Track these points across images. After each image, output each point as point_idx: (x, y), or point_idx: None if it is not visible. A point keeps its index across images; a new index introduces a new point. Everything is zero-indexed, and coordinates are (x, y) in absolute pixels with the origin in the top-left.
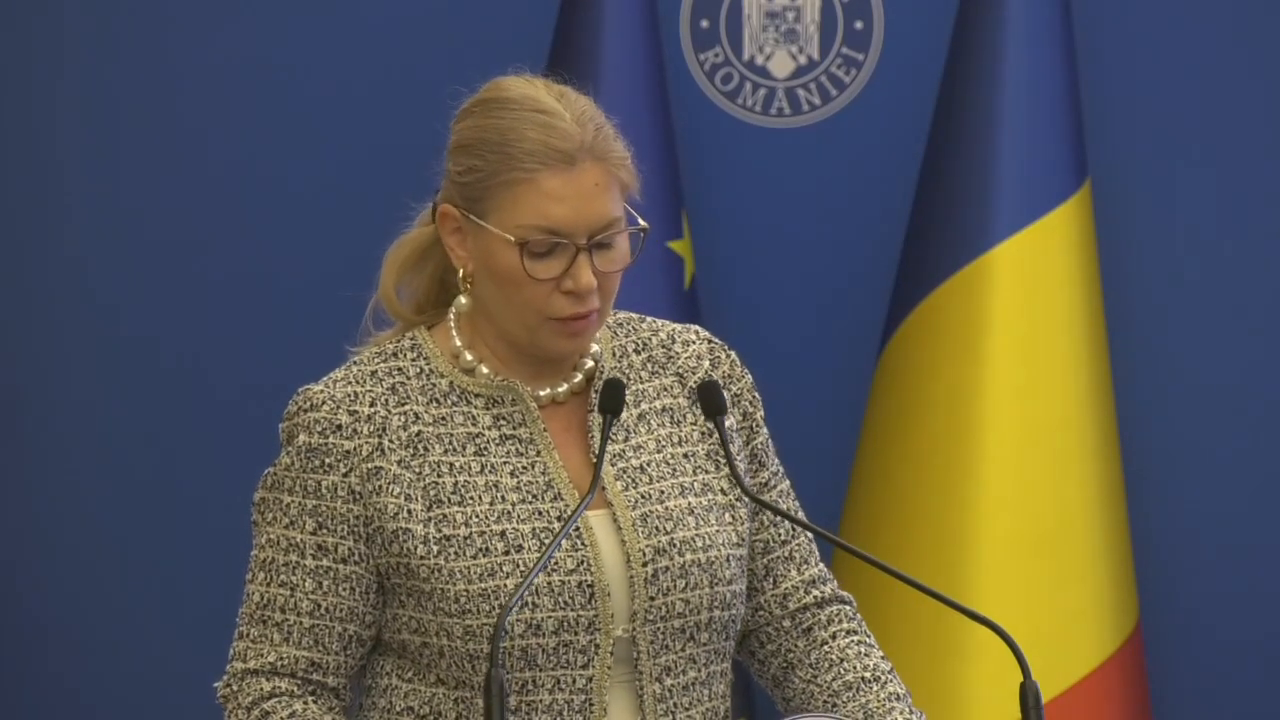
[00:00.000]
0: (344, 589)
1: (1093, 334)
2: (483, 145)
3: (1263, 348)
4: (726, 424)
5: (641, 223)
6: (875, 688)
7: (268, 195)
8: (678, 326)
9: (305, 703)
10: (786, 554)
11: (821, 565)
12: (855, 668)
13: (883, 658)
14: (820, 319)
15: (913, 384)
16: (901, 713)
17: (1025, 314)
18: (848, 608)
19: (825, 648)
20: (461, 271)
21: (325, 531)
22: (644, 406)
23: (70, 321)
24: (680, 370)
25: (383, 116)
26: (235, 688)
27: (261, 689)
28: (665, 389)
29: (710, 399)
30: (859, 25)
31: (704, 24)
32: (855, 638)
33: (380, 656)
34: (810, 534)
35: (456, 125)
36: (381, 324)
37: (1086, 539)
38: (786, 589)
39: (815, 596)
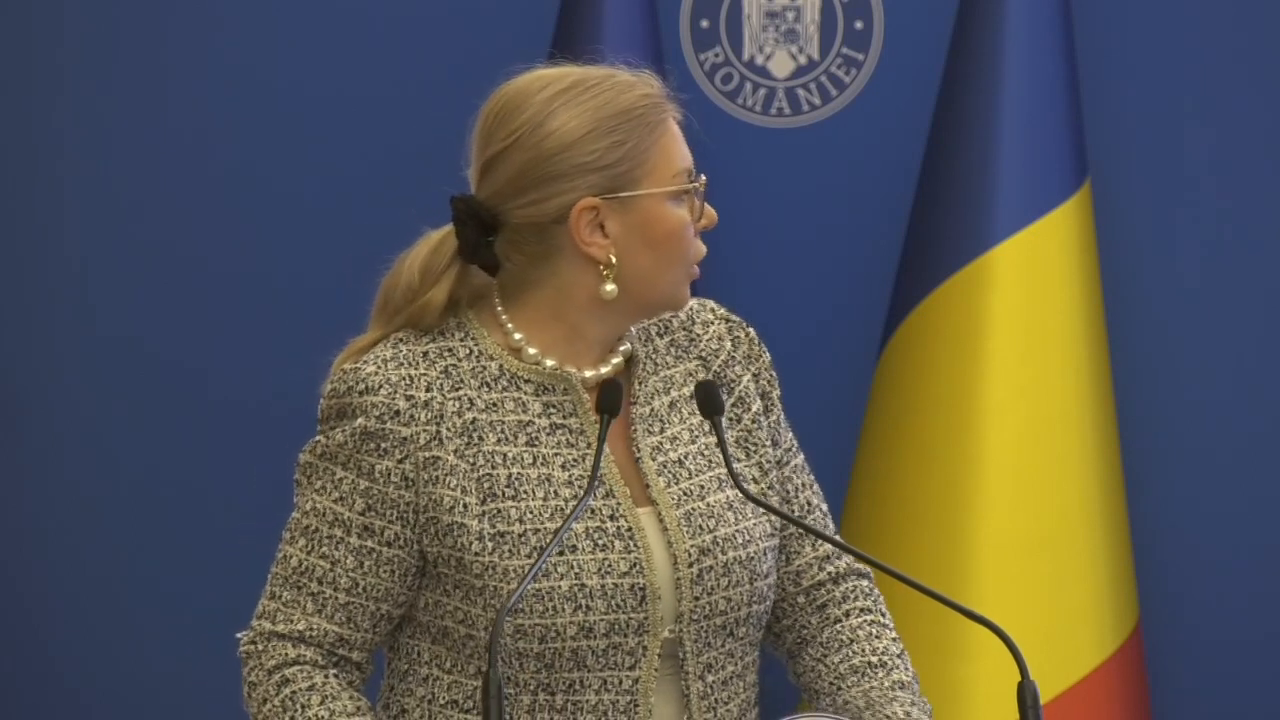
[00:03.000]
0: (384, 570)
1: (1093, 334)
2: (608, 120)
3: (1263, 348)
4: (754, 408)
5: None
6: (880, 674)
7: (267, 196)
8: (694, 304)
9: (326, 675)
10: (800, 530)
11: (846, 559)
12: (864, 650)
13: (894, 639)
14: (820, 319)
15: (913, 384)
16: (902, 702)
17: (1025, 314)
18: (865, 583)
19: (838, 626)
20: (613, 258)
21: (374, 514)
22: (674, 394)
23: (68, 322)
24: (703, 354)
25: (382, 116)
26: (261, 647)
27: (286, 654)
28: (691, 374)
29: (708, 398)
30: (859, 25)
31: (704, 24)
32: (869, 617)
33: (414, 640)
34: (826, 508)
35: (545, 127)
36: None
37: (1086, 539)
38: (800, 565)
39: (829, 572)
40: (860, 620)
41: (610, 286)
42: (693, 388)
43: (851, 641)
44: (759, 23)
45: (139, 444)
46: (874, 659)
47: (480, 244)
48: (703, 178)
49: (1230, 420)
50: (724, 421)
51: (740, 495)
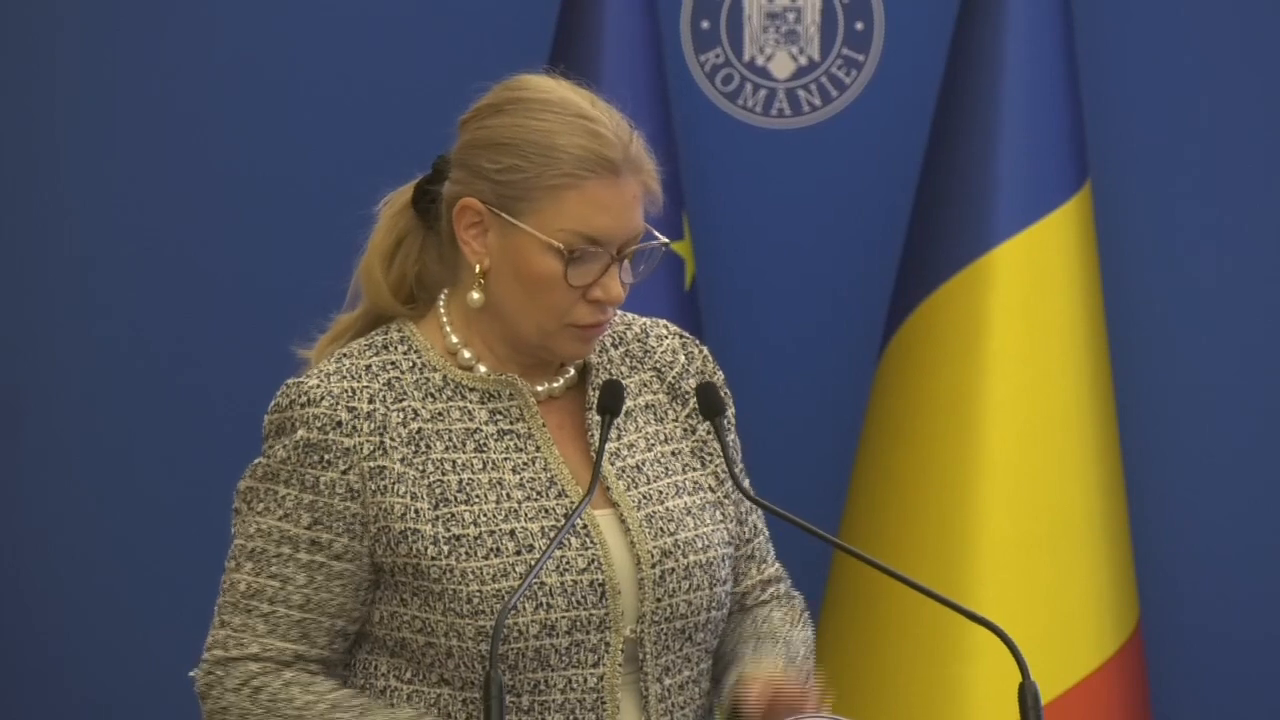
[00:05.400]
0: (336, 585)
1: (1093, 334)
2: (526, 145)
3: (1263, 348)
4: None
5: (662, 238)
6: (771, 645)
7: (267, 196)
8: (647, 320)
9: (295, 669)
10: (749, 552)
11: (778, 564)
12: (768, 631)
13: (804, 641)
14: (820, 319)
15: (913, 384)
16: (779, 654)
17: (1025, 315)
18: (797, 600)
19: (755, 611)
20: (478, 267)
21: (320, 527)
22: (629, 403)
23: (68, 322)
24: (658, 365)
25: (382, 116)
26: (220, 674)
27: (248, 669)
28: (645, 385)
29: (709, 400)
30: (859, 26)
31: (704, 25)
32: (786, 613)
33: (372, 655)
34: (767, 533)
35: (487, 120)
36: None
37: (1086, 539)
38: (746, 587)
39: (771, 594)
40: (780, 612)
41: (476, 295)
42: (649, 397)
43: (764, 621)
44: (759, 24)
45: (139, 444)
46: (778, 635)
47: (426, 193)
48: (618, 254)
49: (1230, 420)
50: (679, 431)
51: (698, 502)
